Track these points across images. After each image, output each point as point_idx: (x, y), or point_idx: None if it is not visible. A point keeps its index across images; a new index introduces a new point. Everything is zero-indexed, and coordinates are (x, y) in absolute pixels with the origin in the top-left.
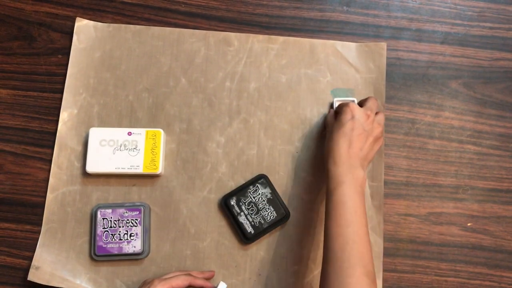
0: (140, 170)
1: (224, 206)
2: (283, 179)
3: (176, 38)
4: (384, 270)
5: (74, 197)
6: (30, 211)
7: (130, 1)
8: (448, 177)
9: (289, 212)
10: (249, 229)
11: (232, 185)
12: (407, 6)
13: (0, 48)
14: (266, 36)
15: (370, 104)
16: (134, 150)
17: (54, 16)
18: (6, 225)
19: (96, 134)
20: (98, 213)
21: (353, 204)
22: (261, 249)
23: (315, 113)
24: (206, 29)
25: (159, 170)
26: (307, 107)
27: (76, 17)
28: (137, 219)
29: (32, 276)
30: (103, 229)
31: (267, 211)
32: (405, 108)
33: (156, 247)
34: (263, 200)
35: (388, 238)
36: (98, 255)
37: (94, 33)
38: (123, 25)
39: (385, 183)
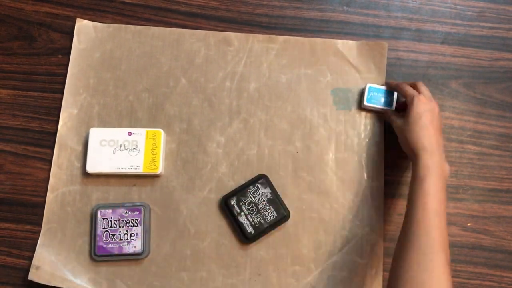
0: (140, 170)
1: (224, 206)
2: (283, 179)
3: (176, 38)
4: (384, 270)
5: (74, 197)
6: (30, 211)
7: (130, 1)
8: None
9: (289, 212)
10: (249, 229)
11: (232, 185)
12: (407, 6)
13: (0, 48)
14: (266, 36)
15: (427, 92)
16: (134, 150)
17: (54, 16)
18: (6, 225)
19: (96, 134)
20: (98, 213)
21: (441, 196)
22: (261, 249)
23: (315, 113)
24: (206, 29)
25: (159, 170)
26: (307, 107)
27: (76, 17)
28: (137, 219)
29: (32, 276)
30: (103, 229)
31: (267, 211)
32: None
33: (156, 247)
34: (263, 200)
35: (388, 238)
36: (98, 255)
37: (94, 33)
38: (123, 26)
39: (385, 183)
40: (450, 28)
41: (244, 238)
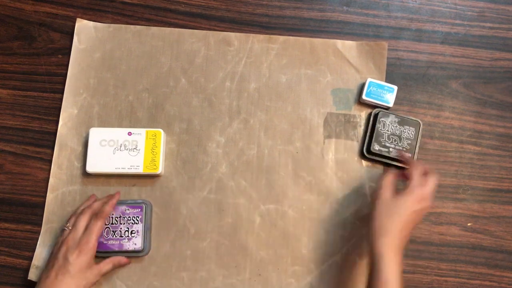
0: (140, 170)
1: (370, 155)
2: (283, 179)
3: (176, 38)
4: None
5: (74, 197)
6: (30, 211)
7: (130, 1)
8: (448, 177)
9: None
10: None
11: (232, 185)
12: (407, 6)
13: (0, 48)
14: (266, 36)
15: (432, 187)
16: (134, 150)
17: (54, 16)
18: (6, 225)
19: (96, 134)
20: None
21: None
22: (261, 249)
23: (315, 113)
24: (206, 29)
25: (159, 170)
26: (307, 107)
27: (76, 17)
28: (138, 217)
29: (32, 276)
30: (105, 225)
31: (405, 132)
32: (405, 108)
33: (156, 247)
34: (396, 126)
35: None
36: (99, 252)
37: (94, 33)
38: (123, 26)
39: None
40: (450, 28)
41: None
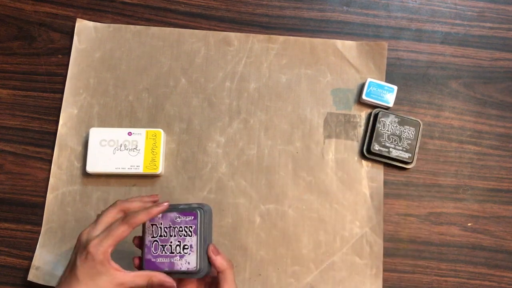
0: (140, 170)
1: (369, 155)
2: (283, 179)
3: (176, 38)
4: (384, 270)
5: (74, 197)
6: (30, 211)
7: (130, 1)
8: (448, 177)
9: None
10: (406, 154)
11: (232, 185)
12: (407, 6)
13: (0, 48)
14: (266, 36)
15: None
16: (134, 150)
17: (54, 16)
18: (6, 225)
19: (96, 134)
20: None
21: None
22: (261, 249)
23: (315, 113)
24: (206, 29)
25: (159, 170)
26: (307, 107)
27: (76, 17)
28: (191, 227)
29: (32, 276)
30: (152, 238)
31: (406, 131)
32: (405, 108)
33: None
34: (396, 126)
35: (388, 238)
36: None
37: (94, 33)
38: (123, 26)
39: (385, 183)
40: (450, 28)
41: (406, 164)
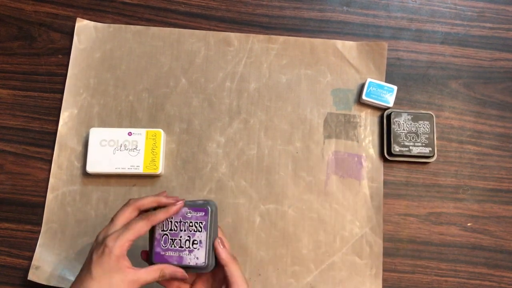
0: (140, 170)
1: (391, 157)
2: (283, 179)
3: (176, 38)
4: (384, 270)
5: (74, 197)
6: (30, 211)
7: (130, 1)
8: (448, 177)
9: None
10: (426, 149)
11: (232, 185)
12: (407, 6)
13: (0, 48)
14: (266, 36)
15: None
16: (134, 150)
17: (54, 16)
18: (6, 225)
19: (96, 134)
20: None
21: None
22: (261, 249)
23: (315, 113)
24: (206, 29)
25: (159, 170)
26: (307, 107)
27: (76, 17)
28: (202, 222)
29: (32, 276)
30: (162, 232)
31: (421, 127)
32: (405, 108)
33: None
34: (410, 123)
35: (388, 238)
36: (156, 264)
37: (94, 33)
38: (123, 26)
39: (385, 183)
40: (450, 28)
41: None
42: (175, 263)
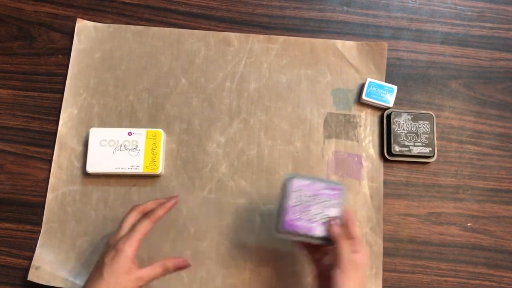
0: (140, 170)
1: (392, 157)
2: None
3: (176, 38)
4: (384, 270)
5: (74, 197)
6: (30, 211)
7: (130, 1)
8: (448, 177)
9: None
10: (427, 149)
11: (232, 185)
12: (407, 6)
13: (1, 48)
14: (266, 36)
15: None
16: (134, 150)
17: (54, 16)
18: (6, 225)
19: (96, 134)
20: (294, 183)
21: None
22: (261, 249)
23: (315, 113)
24: (206, 29)
25: (159, 170)
26: (307, 107)
27: (76, 17)
28: (335, 200)
29: (32, 276)
30: (293, 203)
31: (421, 127)
32: (405, 108)
33: (156, 247)
34: (410, 123)
35: (388, 238)
36: (283, 232)
37: (94, 33)
38: (123, 26)
39: (385, 183)
40: (450, 28)
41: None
42: (303, 231)
